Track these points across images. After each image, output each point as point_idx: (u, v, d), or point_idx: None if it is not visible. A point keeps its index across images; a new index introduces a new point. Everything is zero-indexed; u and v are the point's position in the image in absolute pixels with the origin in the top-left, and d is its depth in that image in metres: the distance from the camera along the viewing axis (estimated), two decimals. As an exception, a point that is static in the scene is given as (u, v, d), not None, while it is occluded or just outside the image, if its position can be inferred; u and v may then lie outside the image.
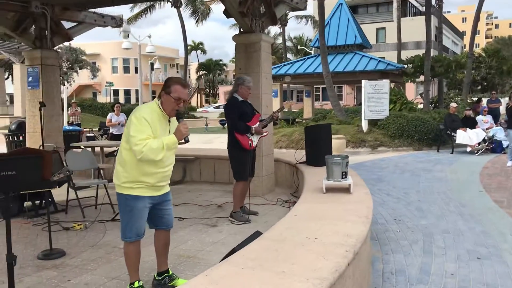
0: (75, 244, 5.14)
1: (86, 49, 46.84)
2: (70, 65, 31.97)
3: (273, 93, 27.66)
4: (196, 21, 36.94)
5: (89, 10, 9.90)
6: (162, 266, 3.90)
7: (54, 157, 6.67)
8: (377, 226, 5.86)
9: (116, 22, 10.90)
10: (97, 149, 9.28)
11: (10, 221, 2.59)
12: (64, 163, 6.64)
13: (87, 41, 48.05)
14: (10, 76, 28.44)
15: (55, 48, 9.44)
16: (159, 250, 3.88)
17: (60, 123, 9.45)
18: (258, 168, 7.33)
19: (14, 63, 23.29)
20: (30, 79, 9.15)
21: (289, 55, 51.38)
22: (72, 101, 20.21)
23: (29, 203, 6.45)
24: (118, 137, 11.09)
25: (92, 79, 39.27)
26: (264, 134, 6.14)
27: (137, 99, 49.47)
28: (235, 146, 5.94)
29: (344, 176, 5.05)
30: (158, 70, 49.41)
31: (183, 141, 3.52)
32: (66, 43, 34.55)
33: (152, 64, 35.41)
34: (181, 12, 33.94)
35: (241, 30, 7.52)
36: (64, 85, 33.51)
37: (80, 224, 5.78)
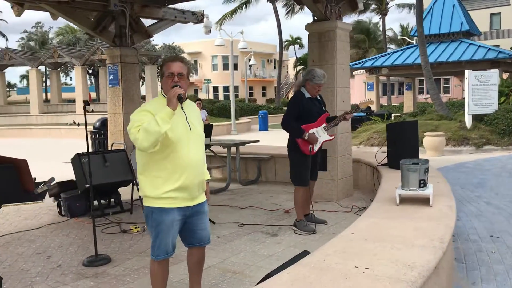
0: (126, 249, 4.89)
1: (188, 48, 48.76)
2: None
3: (369, 86, 26.43)
4: (286, 13, 36.33)
5: (169, 6, 9.82)
6: (194, 286, 3.42)
7: (119, 157, 6.59)
8: (467, 244, 4.89)
9: (197, 18, 10.73)
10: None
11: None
12: (131, 163, 6.51)
13: (189, 40, 50.02)
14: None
15: (134, 46, 9.45)
16: (191, 268, 3.41)
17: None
18: (332, 170, 6.64)
19: (76, 65, 24.91)
20: (111, 77, 9.26)
21: (392, 46, 48.83)
22: (197, 100, 20.85)
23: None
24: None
25: (190, 76, 40.47)
26: (329, 138, 5.42)
27: (236, 95, 50.28)
28: (294, 149, 5.31)
29: (422, 185, 4.21)
30: (255, 66, 49.80)
31: (176, 101, 2.89)
32: (167, 42, 36.09)
33: (248, 60, 35.56)
34: (276, 7, 33.62)
35: (315, 18, 6.84)
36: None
37: (138, 227, 5.56)
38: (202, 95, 47.62)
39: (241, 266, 4.28)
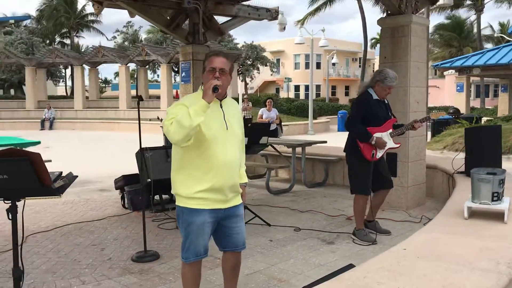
0: (176, 246, 4.82)
1: (271, 47, 48.95)
2: (251, 62, 33.45)
3: (458, 88, 24.76)
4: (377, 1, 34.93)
5: (243, 3, 9.76)
6: (229, 293, 3.24)
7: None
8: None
9: (272, 14, 10.57)
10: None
11: (17, 235, 2.24)
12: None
13: (272, 39, 50.19)
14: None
15: (207, 43, 9.50)
16: (226, 273, 3.22)
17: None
18: (402, 176, 6.17)
19: (162, 63, 25.51)
20: (183, 74, 9.39)
21: (489, 46, 45.47)
22: (244, 96, 20.89)
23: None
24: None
25: (271, 75, 40.61)
26: (395, 146, 4.99)
27: (317, 95, 49.76)
28: (354, 153, 4.93)
29: (495, 198, 3.70)
30: (339, 65, 48.84)
31: (211, 93, 2.67)
32: (248, 41, 36.47)
33: (331, 59, 34.91)
34: (362, 4, 32.59)
35: (388, 12, 6.38)
36: (243, 81, 35.40)
37: (192, 225, 5.49)
38: (283, 94, 47.65)
39: (289, 274, 4.04)
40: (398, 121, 5.19)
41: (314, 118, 23.56)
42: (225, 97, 2.97)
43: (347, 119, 5.04)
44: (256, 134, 5.31)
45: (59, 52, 29.09)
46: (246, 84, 36.03)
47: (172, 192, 3.02)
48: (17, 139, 8.92)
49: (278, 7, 10.76)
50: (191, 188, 2.88)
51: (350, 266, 3.08)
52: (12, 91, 37.40)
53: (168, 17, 9.11)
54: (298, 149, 7.93)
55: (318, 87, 53.48)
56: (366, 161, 4.83)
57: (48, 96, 32.08)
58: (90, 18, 48.37)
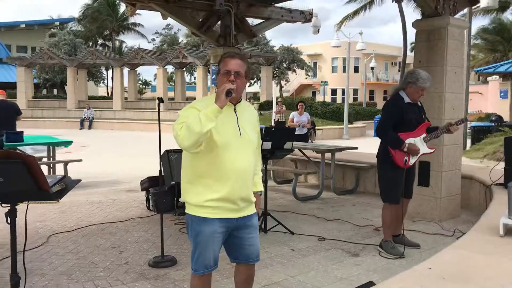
0: (195, 252, 4.72)
1: (308, 50, 48.59)
2: (287, 65, 33.24)
3: (502, 94, 23.73)
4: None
5: (276, 5, 9.62)
6: (241, 307, 3.08)
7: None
8: None
9: (305, 17, 10.38)
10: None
11: (15, 241, 2.17)
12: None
13: (309, 42, 49.74)
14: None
15: (238, 45, 9.40)
16: (238, 286, 3.07)
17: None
18: (435, 186, 5.86)
19: (198, 66, 25.46)
20: (214, 76, 9.33)
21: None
22: (278, 99, 20.75)
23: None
24: (299, 138, 10.59)
25: (306, 78, 40.22)
26: (429, 151, 4.71)
27: (354, 99, 48.98)
28: (385, 160, 4.69)
29: (534, 216, 3.40)
30: (377, 69, 47.97)
31: (224, 97, 2.51)
32: (286, 43, 36.28)
33: (370, 62, 34.29)
34: (402, 7, 31.82)
35: (424, 14, 6.09)
36: (278, 84, 35.22)
37: (214, 230, 5.37)
38: (319, 97, 47.16)
39: (307, 287, 3.84)
40: (432, 128, 4.91)
41: (350, 122, 23.15)
42: (240, 101, 2.82)
43: (378, 124, 4.80)
44: (280, 139, 5.14)
45: (99, 54, 29.79)
46: (281, 87, 35.83)
47: (181, 199, 2.89)
48: (51, 138, 9.08)
49: (312, 9, 10.56)
50: (201, 196, 2.74)
51: (370, 284, 2.88)
52: (55, 91, 38.58)
53: (200, 19, 9.08)
54: (328, 155, 7.71)
55: (355, 91, 52.68)
56: (398, 168, 4.57)
57: (89, 97, 32.89)
58: (132, 20, 49.43)
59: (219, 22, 9.18)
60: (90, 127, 26.95)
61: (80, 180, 2.88)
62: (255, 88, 36.44)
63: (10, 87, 32.11)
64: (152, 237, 5.24)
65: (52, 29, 43.61)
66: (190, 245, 4.80)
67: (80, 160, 9.16)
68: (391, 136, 4.58)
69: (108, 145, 18.57)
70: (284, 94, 40.24)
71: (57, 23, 47.28)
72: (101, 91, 51.58)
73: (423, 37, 5.99)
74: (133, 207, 6.72)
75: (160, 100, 4.36)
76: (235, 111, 2.76)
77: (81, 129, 26.66)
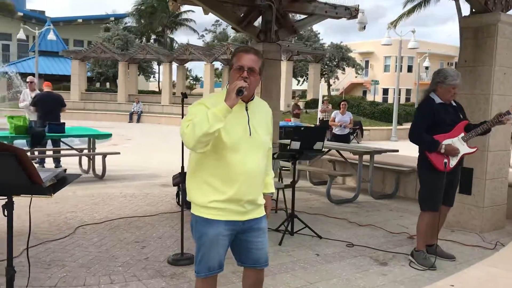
0: (217, 252, 4.61)
1: (359, 48, 47.65)
2: (336, 63, 32.66)
3: None
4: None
5: (320, 0, 9.37)
6: (249, 313, 2.93)
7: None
8: None
9: (351, 13, 10.06)
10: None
11: (12, 233, 2.12)
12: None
13: (360, 40, 48.77)
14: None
15: (279, 41, 9.22)
16: (246, 291, 2.93)
17: (278, 119, 9.25)
18: (478, 194, 5.48)
19: (282, 60, 24.99)
20: (252, 72, 9.19)
21: None
22: (324, 97, 20.39)
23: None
24: (340, 138, 10.31)
25: (355, 77, 39.36)
26: (470, 150, 4.38)
27: (407, 99, 47.56)
28: (425, 165, 4.40)
29: None
30: (432, 68, 46.33)
31: (235, 96, 2.36)
32: (335, 41, 35.62)
33: (424, 61, 33.13)
34: (459, 5, 30.53)
35: (473, 10, 5.69)
36: (326, 81, 34.64)
37: (239, 230, 5.25)
38: (369, 97, 46.12)
39: (327, 295, 3.65)
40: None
41: (399, 123, 22.42)
42: (252, 98, 2.67)
43: (410, 129, 4.50)
44: (309, 139, 4.93)
45: (149, 49, 30.43)
46: (329, 85, 35.26)
47: (187, 198, 2.78)
48: (92, 130, 9.26)
49: (358, 5, 10.22)
50: (206, 197, 2.62)
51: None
52: (107, 84, 39.82)
53: (241, 14, 8.97)
54: (366, 157, 7.41)
55: (408, 91, 51.14)
56: (438, 172, 4.27)
57: (138, 91, 33.71)
58: (184, 16, 50.21)
59: (260, 18, 9.06)
60: (138, 120, 27.58)
61: (80, 175, 2.82)
62: (304, 86, 36.07)
63: (65, 79, 33.46)
64: (177, 234, 5.16)
65: (107, 24, 45.03)
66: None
67: (118, 153, 9.28)
68: (425, 139, 4.29)
69: (152, 139, 18.88)
70: (334, 93, 39.64)
71: (112, 18, 48.79)
72: (152, 85, 52.81)
73: (470, 35, 5.60)
74: (164, 202, 6.71)
75: (184, 95, 4.27)
76: (247, 110, 2.61)
77: (129, 122, 27.33)
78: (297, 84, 38.31)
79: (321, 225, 5.70)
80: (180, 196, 6.47)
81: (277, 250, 4.69)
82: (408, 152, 8.18)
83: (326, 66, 31.92)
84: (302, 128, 4.97)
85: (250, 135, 2.59)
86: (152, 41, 50.02)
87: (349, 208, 6.72)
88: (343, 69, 33.91)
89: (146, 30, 49.19)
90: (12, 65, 37.14)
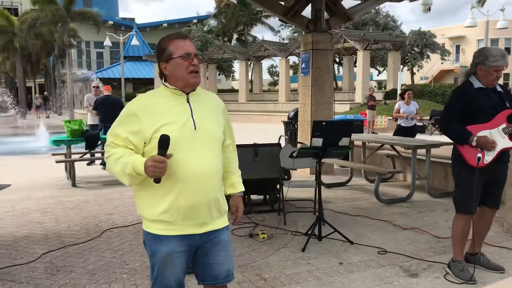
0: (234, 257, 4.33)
1: (449, 32, 44.58)
2: (420, 50, 30.74)
3: None
4: None
5: (375, -17, 8.72)
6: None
7: (272, 152, 6.05)
8: None
9: (413, -6, 9.27)
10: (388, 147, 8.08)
11: None
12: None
13: (451, 24, 45.52)
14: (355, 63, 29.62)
15: (330, 30, 8.69)
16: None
17: (331, 112, 8.74)
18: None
19: (358, 50, 23.97)
20: (303, 65, 8.78)
21: None
22: (371, 88, 19.28)
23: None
24: (406, 130, 9.51)
25: (441, 63, 36.75)
26: (510, 145, 3.67)
27: (505, 84, 43.58)
28: (458, 161, 3.78)
29: None
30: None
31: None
32: (416, 28, 33.51)
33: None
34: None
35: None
36: (409, 70, 32.73)
37: (265, 233, 4.93)
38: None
39: (331, 313, 3.22)
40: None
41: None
42: (194, 89, 2.34)
43: (441, 117, 3.89)
44: (333, 135, 4.46)
45: (226, 48, 30.81)
46: (412, 73, 33.29)
47: (137, 212, 2.50)
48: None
49: (420, -15, 9.36)
50: (154, 208, 2.29)
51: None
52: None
53: (287, 4, 8.58)
54: (423, 151, 6.70)
55: (506, 76, 46.93)
56: (471, 168, 3.65)
57: (218, 90, 34.31)
58: (264, 13, 50.33)
59: (310, 6, 8.60)
60: (216, 119, 28.06)
61: (9, 185, 2.67)
62: (383, 76, 34.46)
63: (149, 82, 34.98)
64: (200, 238, 4.97)
65: (191, 26, 46.38)
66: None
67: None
68: (455, 129, 3.67)
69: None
70: (422, 81, 37.45)
71: (195, 21, 50.22)
72: (235, 84, 53.68)
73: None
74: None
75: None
76: (188, 101, 2.30)
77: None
78: (377, 75, 36.71)
79: (359, 228, 5.20)
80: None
81: (298, 257, 4.30)
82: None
83: (408, 54, 30.18)
84: (324, 123, 4.50)
85: (195, 129, 2.27)
86: (234, 40, 50.74)
87: (400, 209, 6.09)
88: (428, 56, 31.82)
89: (228, 30, 49.99)
90: (102, 71, 39.73)
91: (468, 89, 3.71)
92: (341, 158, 7.46)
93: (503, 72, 3.90)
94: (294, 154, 4.77)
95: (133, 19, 61.94)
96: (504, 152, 3.71)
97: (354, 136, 8.34)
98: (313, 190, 7.25)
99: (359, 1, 8.93)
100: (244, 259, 4.27)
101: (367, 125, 18.75)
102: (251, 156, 5.90)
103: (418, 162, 6.77)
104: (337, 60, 31.13)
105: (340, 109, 23.59)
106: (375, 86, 33.21)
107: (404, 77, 28.21)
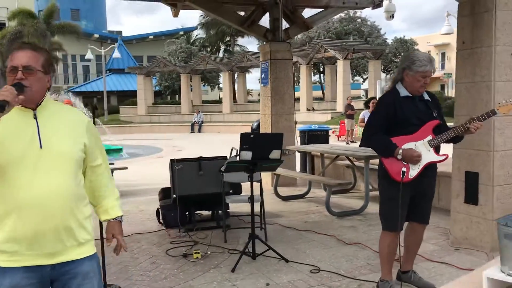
0: (157, 280, 4.10)
1: (434, 40, 44.66)
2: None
3: None
4: None
5: (335, -9, 8.59)
6: None
7: (217, 166, 5.83)
8: None
9: (374, 1, 9.15)
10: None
11: None
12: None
13: (436, 32, 45.68)
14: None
15: (289, 40, 8.55)
16: None
17: (292, 123, 8.56)
18: (486, 205, 4.50)
19: (338, 59, 23.92)
20: (263, 75, 8.62)
21: None
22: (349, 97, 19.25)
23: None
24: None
25: (434, 71, 36.72)
26: (438, 159, 3.48)
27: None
28: (382, 173, 3.60)
29: (537, 271, 2.15)
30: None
31: None
32: (398, 35, 33.53)
33: None
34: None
35: (469, -20, 4.69)
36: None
37: (198, 252, 4.70)
38: (449, 92, 42.91)
39: None
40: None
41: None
42: (40, 103, 2.11)
43: (364, 128, 3.70)
44: (263, 147, 4.26)
45: (209, 59, 30.69)
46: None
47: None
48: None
49: (380, -8, 9.27)
50: None
51: None
52: (177, 97, 40.88)
53: (242, 14, 8.44)
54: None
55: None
56: (395, 183, 3.44)
57: (202, 101, 34.15)
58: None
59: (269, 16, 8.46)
60: (199, 130, 27.86)
61: None
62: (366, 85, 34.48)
63: (134, 95, 34.75)
64: (133, 258, 4.73)
65: (176, 39, 46.29)
66: (159, 271, 4.24)
67: (125, 168, 8.72)
68: (379, 141, 3.48)
69: (204, 148, 18.77)
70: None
71: (182, 33, 50.11)
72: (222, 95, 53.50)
73: (467, 11, 4.61)
74: (151, 220, 6.29)
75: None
76: (36, 117, 2.09)
77: (191, 132, 27.68)
78: (362, 83, 36.70)
79: (302, 244, 4.99)
80: (160, 215, 6.04)
81: (225, 279, 4.07)
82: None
83: (392, 63, 30.18)
84: (252, 136, 4.31)
85: (41, 147, 2.04)
86: (222, 51, 50.62)
87: (351, 222, 5.89)
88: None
89: (215, 41, 49.87)
90: (87, 85, 39.46)
91: (394, 97, 3.52)
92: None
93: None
94: (222, 169, 4.56)
95: (121, 32, 61.87)
96: (430, 166, 3.52)
97: (310, 147, 8.19)
98: (269, 204, 7.06)
99: (319, 10, 8.80)
100: (167, 282, 4.04)
101: (345, 135, 18.62)
102: (195, 170, 5.69)
103: (373, 172, 6.57)
104: (321, 70, 31.08)
105: (322, 119, 23.49)
106: (363, 95, 33.18)
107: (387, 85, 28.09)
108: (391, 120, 3.47)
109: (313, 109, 25.63)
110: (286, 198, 7.32)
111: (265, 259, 4.51)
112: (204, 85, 39.13)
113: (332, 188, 6.33)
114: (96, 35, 47.47)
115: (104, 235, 2.58)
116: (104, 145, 7.37)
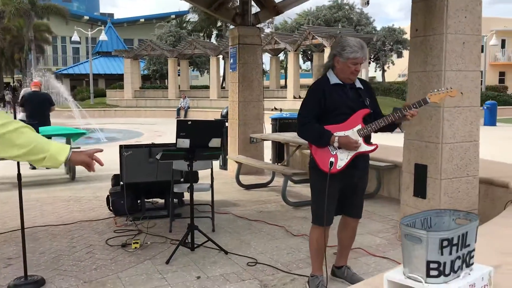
0: (86, 271, 3.94)
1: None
2: (391, 46, 30.54)
3: None
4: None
5: (307, -24, 8.34)
6: None
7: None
8: None
9: (349, -13, 8.90)
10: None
11: None
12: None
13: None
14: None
15: (259, 25, 8.33)
16: None
17: (260, 110, 8.37)
18: (433, 199, 4.36)
19: (326, 46, 23.61)
20: (231, 60, 8.41)
21: None
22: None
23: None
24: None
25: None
26: (367, 149, 3.32)
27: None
28: (312, 165, 3.43)
29: (434, 273, 2.00)
30: (510, 47, 42.29)
31: None
32: (389, 24, 33.27)
33: (490, 39, 30.12)
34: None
35: (424, -36, 4.49)
36: (381, 68, 32.54)
37: (137, 242, 4.54)
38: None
39: None
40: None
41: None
42: None
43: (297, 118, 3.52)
44: (201, 135, 4.08)
45: (197, 43, 30.26)
46: (383, 70, 33.07)
47: None
48: (66, 129, 8.92)
49: (357, -22, 9.01)
50: None
51: None
52: (166, 82, 40.45)
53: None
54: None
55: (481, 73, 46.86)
56: (324, 174, 3.27)
57: (190, 86, 33.78)
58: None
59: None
60: (185, 116, 27.56)
61: None
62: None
63: (121, 78, 34.34)
64: (76, 246, 4.56)
65: (167, 22, 45.68)
66: (91, 262, 4.06)
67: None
68: (312, 129, 3.30)
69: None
70: (400, 79, 37.27)
71: (173, 16, 49.49)
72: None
73: (420, -4, 4.42)
74: (103, 207, 6.11)
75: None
76: None
77: (177, 118, 27.37)
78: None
79: (249, 235, 4.85)
80: (110, 202, 5.85)
81: (156, 271, 3.91)
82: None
83: (379, 51, 29.93)
84: (190, 123, 4.13)
85: None
86: (214, 36, 50.00)
87: (305, 212, 5.72)
88: (400, 53, 31.57)
89: (207, 25, 49.27)
90: (74, 67, 38.97)
91: (323, 85, 3.35)
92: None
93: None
94: (158, 157, 4.39)
95: (112, 14, 61.09)
96: (361, 157, 3.36)
97: (274, 135, 8.02)
98: (229, 193, 6.90)
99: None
100: (95, 273, 3.88)
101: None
102: (145, 157, 5.50)
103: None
104: (308, 57, 30.79)
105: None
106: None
107: (378, 75, 27.94)
108: (321, 108, 3.30)
109: (299, 97, 25.38)
110: (248, 187, 7.16)
111: (205, 250, 4.36)
112: (193, 70, 38.68)
113: (291, 177, 6.18)
114: (86, 17, 46.86)
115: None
116: (66, 128, 7.15)
